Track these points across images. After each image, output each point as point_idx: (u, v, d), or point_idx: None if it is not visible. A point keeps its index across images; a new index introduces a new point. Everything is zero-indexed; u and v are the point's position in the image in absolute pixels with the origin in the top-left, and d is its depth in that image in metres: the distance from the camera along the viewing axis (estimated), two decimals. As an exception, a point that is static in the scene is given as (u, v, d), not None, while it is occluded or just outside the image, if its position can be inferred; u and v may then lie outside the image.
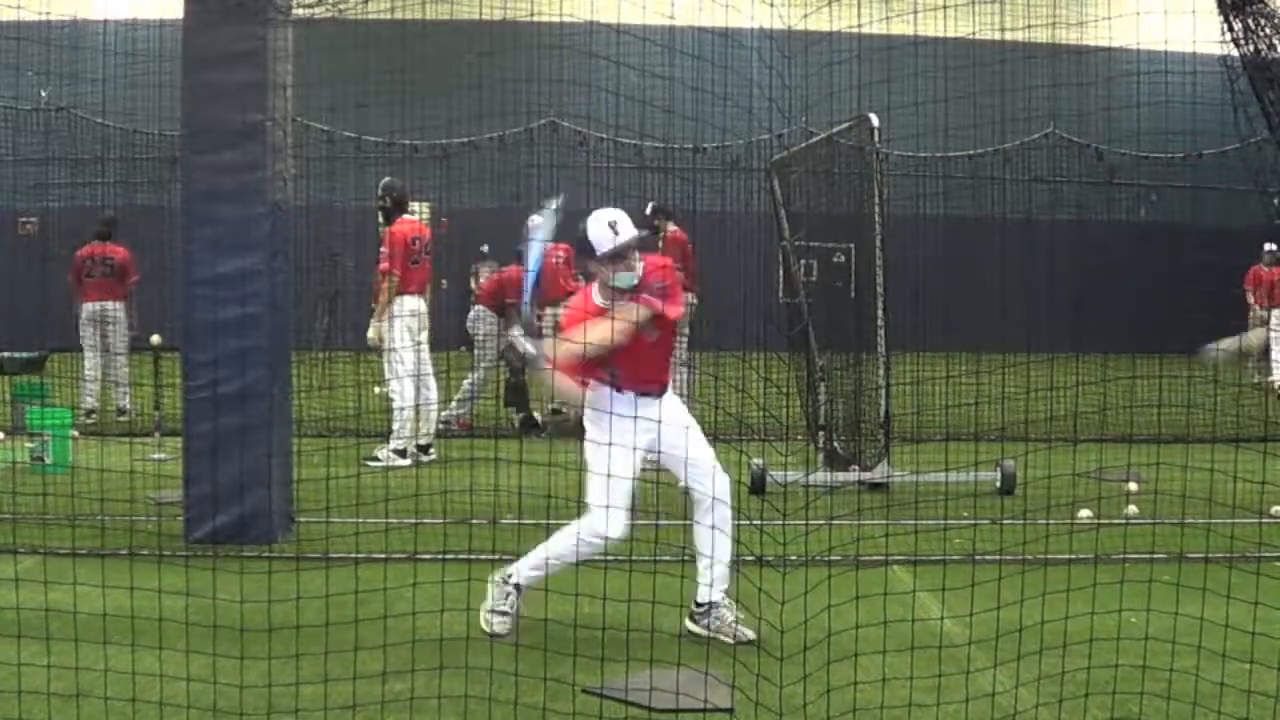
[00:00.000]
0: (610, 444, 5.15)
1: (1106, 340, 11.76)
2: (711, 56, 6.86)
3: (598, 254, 5.24)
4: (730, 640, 5.27)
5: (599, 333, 5.19)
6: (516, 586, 5.37)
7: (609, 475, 5.17)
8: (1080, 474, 8.43)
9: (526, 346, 5.23)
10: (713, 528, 5.31)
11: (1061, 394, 9.84)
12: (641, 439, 5.28)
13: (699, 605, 5.40)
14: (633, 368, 5.34)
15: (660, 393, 5.40)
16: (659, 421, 5.28)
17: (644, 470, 5.47)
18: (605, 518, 5.20)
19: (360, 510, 6.95)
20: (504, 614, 5.34)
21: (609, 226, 5.23)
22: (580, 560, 5.31)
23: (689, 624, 5.41)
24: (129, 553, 6.40)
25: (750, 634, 5.30)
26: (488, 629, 5.32)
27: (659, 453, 5.40)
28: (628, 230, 5.26)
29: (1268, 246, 16.51)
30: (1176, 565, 5.98)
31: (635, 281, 5.28)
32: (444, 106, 14.86)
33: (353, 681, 4.46)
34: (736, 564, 5.48)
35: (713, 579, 5.36)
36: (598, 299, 5.37)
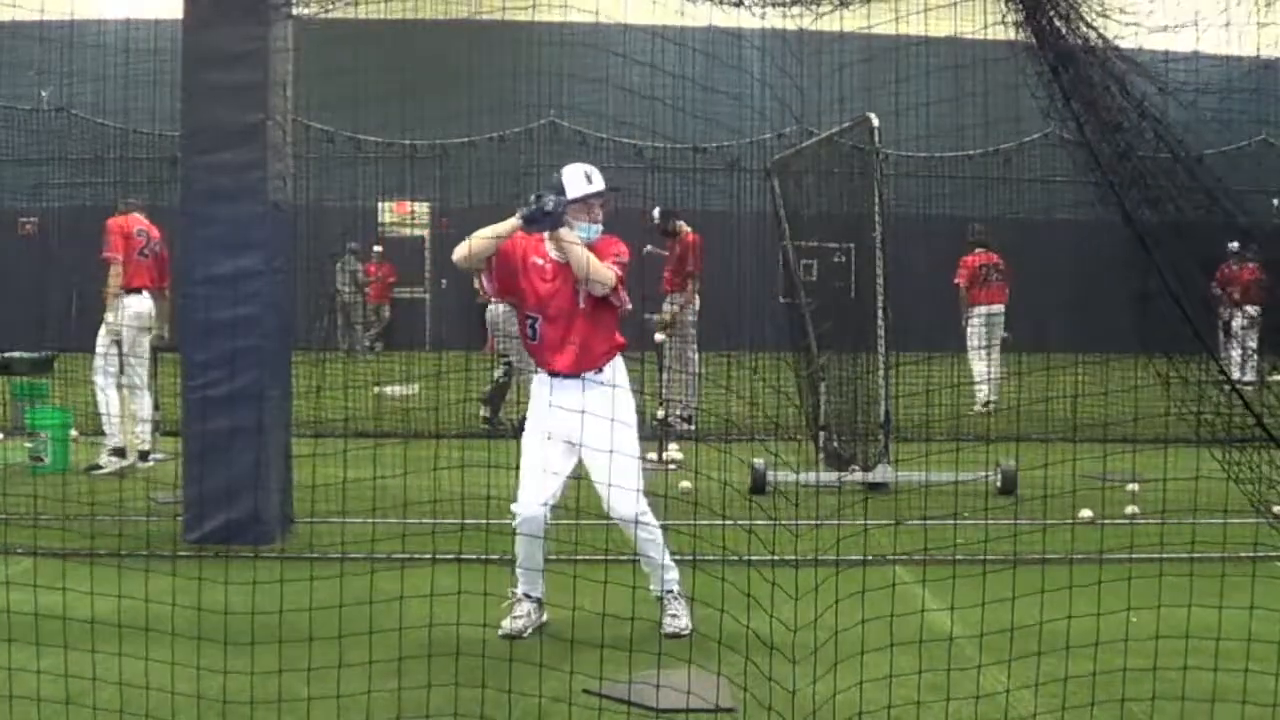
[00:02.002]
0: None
1: (1107, 340, 11.72)
2: (710, 56, 6.87)
3: (569, 196, 5.33)
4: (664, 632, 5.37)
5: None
6: (526, 596, 5.50)
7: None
8: (1081, 475, 8.41)
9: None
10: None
11: (1060, 394, 9.82)
12: (555, 425, 5.33)
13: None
14: (547, 341, 5.42)
15: (571, 376, 5.35)
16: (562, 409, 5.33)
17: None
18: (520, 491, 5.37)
19: (360, 511, 6.94)
20: (518, 618, 5.46)
21: (584, 175, 5.43)
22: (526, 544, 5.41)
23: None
24: (129, 554, 6.39)
25: (683, 626, 5.40)
26: (501, 632, 5.39)
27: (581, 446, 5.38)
28: (599, 183, 5.45)
29: None
30: (1177, 565, 5.97)
31: (596, 235, 5.40)
32: (443, 106, 14.87)
33: (352, 681, 4.46)
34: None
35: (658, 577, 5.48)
36: (549, 248, 5.44)
